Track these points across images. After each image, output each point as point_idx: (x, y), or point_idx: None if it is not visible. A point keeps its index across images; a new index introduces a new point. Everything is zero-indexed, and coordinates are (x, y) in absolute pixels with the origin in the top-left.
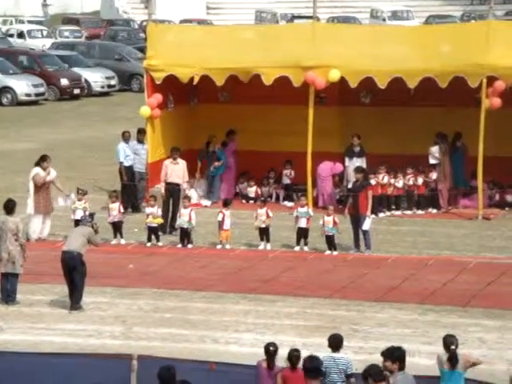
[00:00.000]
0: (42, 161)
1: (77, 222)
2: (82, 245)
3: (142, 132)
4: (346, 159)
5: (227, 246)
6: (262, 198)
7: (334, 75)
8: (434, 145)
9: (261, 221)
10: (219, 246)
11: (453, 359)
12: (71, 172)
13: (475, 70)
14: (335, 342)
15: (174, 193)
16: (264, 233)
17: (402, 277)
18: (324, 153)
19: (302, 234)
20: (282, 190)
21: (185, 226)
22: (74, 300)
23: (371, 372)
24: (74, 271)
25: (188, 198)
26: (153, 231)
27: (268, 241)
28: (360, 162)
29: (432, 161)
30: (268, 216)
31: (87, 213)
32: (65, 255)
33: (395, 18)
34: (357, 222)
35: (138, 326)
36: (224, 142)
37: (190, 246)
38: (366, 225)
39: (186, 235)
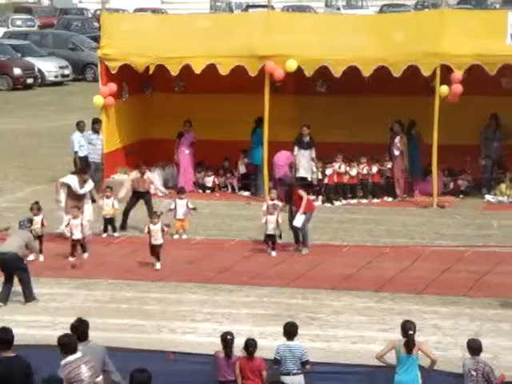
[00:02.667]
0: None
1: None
2: (19, 246)
3: (97, 122)
4: (295, 148)
5: (184, 236)
6: (272, 203)
7: (291, 65)
8: (391, 134)
9: (271, 228)
10: (176, 236)
11: (409, 343)
12: (25, 162)
13: (429, 59)
14: (290, 331)
15: (142, 197)
16: (271, 239)
17: (357, 265)
18: (281, 142)
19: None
20: (237, 179)
21: (108, 216)
22: (26, 297)
23: None
24: (14, 271)
25: (110, 188)
26: (109, 222)
27: (274, 249)
28: (309, 153)
29: (396, 152)
30: (278, 223)
31: (26, 218)
32: (1, 256)
33: (350, 7)
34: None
35: (94, 316)
36: (180, 133)
37: (115, 234)
38: (297, 221)
39: (109, 223)
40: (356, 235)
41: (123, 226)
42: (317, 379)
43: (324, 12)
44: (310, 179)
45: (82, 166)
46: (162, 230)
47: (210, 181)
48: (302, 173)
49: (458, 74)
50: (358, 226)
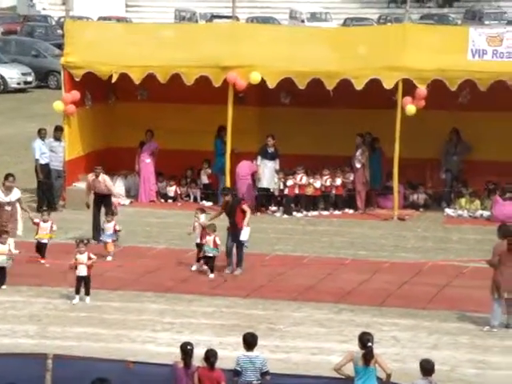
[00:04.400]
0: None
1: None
2: None
3: (58, 129)
4: (258, 158)
5: (109, 258)
6: (209, 223)
7: (255, 77)
8: (355, 147)
9: (208, 249)
10: (109, 258)
11: (367, 355)
12: None
13: (391, 73)
14: (249, 341)
15: (103, 201)
16: (209, 262)
17: (318, 276)
18: (243, 153)
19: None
20: (199, 189)
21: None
22: None
23: None
24: None
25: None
26: (43, 246)
27: (212, 271)
28: (272, 164)
29: (357, 165)
30: (215, 244)
31: None
32: None
33: (314, 20)
34: (236, 237)
35: (53, 325)
36: (141, 142)
37: (42, 261)
38: (244, 235)
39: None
40: (317, 247)
41: (96, 238)
42: None
43: (288, 24)
44: (271, 190)
45: (8, 173)
46: (89, 258)
47: (171, 190)
48: (264, 183)
49: (423, 90)
50: (319, 238)
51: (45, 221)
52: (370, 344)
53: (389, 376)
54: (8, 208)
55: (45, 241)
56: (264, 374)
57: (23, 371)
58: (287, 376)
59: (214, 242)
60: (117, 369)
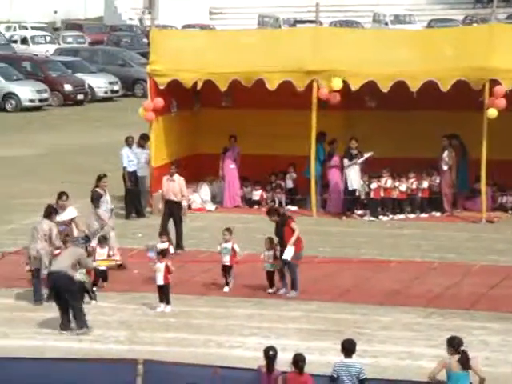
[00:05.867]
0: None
1: None
2: (69, 265)
3: (143, 137)
4: (345, 161)
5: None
6: (268, 241)
7: (337, 83)
8: (442, 149)
9: (269, 263)
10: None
11: (464, 359)
12: (75, 178)
13: (477, 74)
14: (348, 347)
15: (173, 210)
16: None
17: (405, 280)
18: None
19: (226, 271)
20: (284, 194)
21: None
22: (75, 322)
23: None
24: (64, 293)
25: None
26: (100, 274)
27: (271, 286)
28: (358, 166)
29: (444, 167)
30: (276, 258)
31: (82, 235)
32: (50, 276)
33: (398, 22)
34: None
35: (142, 330)
36: (225, 148)
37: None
38: (287, 254)
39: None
40: (404, 250)
41: (178, 244)
42: None
43: (372, 27)
44: (357, 193)
45: (61, 192)
46: (167, 268)
47: (257, 195)
48: (353, 185)
49: (501, 88)
50: (406, 241)
51: (102, 247)
52: (463, 348)
53: (483, 380)
54: (60, 228)
55: (103, 268)
56: (361, 381)
57: (115, 376)
58: (377, 380)
59: (275, 256)
60: (205, 374)
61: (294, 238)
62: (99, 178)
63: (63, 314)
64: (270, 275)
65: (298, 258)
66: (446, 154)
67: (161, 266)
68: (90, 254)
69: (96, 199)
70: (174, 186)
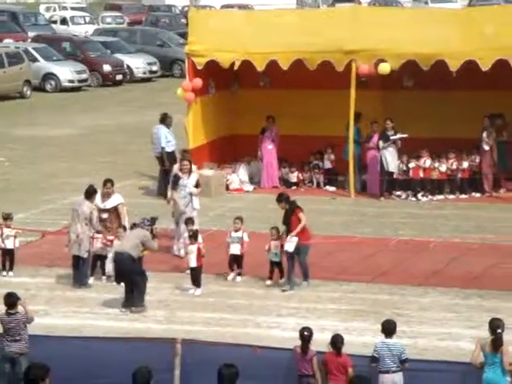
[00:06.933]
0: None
1: (7, 252)
2: (133, 247)
3: (165, 117)
4: (380, 142)
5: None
6: (274, 231)
7: (385, 68)
8: (482, 129)
9: (273, 253)
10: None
11: (496, 341)
12: (113, 158)
13: None
14: (389, 328)
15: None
16: (277, 266)
17: (444, 261)
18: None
19: (235, 261)
20: (322, 174)
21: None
22: (134, 302)
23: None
24: (128, 273)
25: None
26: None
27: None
28: (393, 147)
29: (486, 147)
30: (282, 248)
31: (149, 216)
32: (115, 256)
33: (438, 1)
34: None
35: (181, 310)
36: (263, 129)
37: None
38: (289, 245)
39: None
40: (443, 231)
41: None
42: (412, 377)
43: (411, 6)
44: (395, 175)
45: (106, 179)
46: (199, 251)
47: (294, 176)
48: (390, 167)
49: None
50: (446, 222)
51: (192, 243)
52: (499, 330)
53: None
54: (104, 215)
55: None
56: (403, 361)
57: (153, 355)
58: (418, 361)
59: (281, 246)
60: (244, 354)
61: (297, 229)
62: (180, 159)
63: (127, 293)
64: (273, 266)
65: (304, 250)
66: (485, 134)
67: (193, 248)
68: (155, 236)
69: (174, 182)
70: (189, 182)
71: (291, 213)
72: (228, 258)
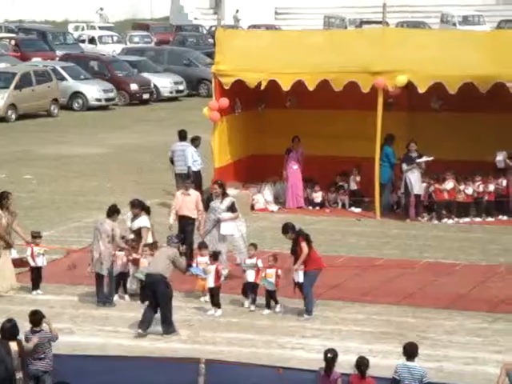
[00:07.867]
0: None
1: (37, 270)
2: (165, 268)
3: (196, 139)
4: (403, 165)
5: (202, 299)
6: (271, 259)
7: (402, 80)
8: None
9: (270, 282)
10: (202, 299)
11: None
12: (140, 176)
13: None
14: (410, 351)
15: (185, 226)
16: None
17: (470, 284)
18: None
19: (249, 289)
20: (347, 196)
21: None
22: (163, 327)
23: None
24: (161, 295)
25: (155, 244)
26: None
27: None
28: (417, 169)
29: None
30: (278, 276)
31: (175, 233)
32: (147, 277)
33: (466, 23)
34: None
35: (204, 330)
36: (288, 149)
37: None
38: (298, 276)
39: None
40: (469, 254)
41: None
42: None
43: (439, 28)
44: (422, 196)
45: (132, 200)
46: (217, 272)
47: (318, 196)
48: (413, 191)
49: None
50: (472, 245)
51: (150, 254)
52: None
53: None
54: (131, 235)
55: (141, 277)
56: None
57: (177, 375)
58: None
59: (277, 274)
60: (267, 374)
61: (300, 260)
62: (213, 182)
63: (146, 314)
64: (270, 294)
65: (312, 279)
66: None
67: (211, 268)
68: (182, 254)
69: (206, 203)
70: (190, 200)
71: (296, 242)
72: (242, 286)
